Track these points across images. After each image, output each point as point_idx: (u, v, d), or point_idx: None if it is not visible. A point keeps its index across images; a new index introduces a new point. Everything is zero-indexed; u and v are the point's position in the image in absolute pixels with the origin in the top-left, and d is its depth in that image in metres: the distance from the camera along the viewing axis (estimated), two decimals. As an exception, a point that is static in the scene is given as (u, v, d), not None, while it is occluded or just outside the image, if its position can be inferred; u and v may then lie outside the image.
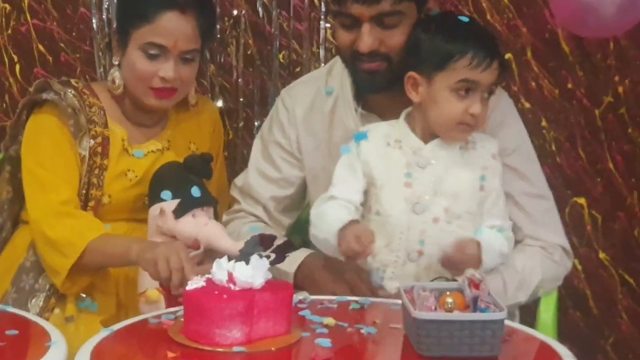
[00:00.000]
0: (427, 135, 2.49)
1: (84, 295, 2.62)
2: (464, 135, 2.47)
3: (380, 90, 2.64)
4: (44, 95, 2.67)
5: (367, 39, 2.54)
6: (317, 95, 2.77)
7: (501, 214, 2.51)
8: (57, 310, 2.59)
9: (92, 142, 2.65)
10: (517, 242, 2.56)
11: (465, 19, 2.50)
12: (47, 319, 2.48)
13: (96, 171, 2.66)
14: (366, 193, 2.52)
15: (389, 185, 2.49)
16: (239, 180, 2.87)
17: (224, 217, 2.83)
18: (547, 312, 2.62)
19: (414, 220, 2.47)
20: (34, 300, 2.59)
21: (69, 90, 2.68)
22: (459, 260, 2.39)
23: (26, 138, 2.67)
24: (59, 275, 2.53)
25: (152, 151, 2.76)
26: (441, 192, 2.46)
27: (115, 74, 2.71)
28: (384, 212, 2.50)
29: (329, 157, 2.72)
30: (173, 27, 2.64)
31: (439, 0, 2.77)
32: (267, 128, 2.84)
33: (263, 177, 2.81)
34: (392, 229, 2.49)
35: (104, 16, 3.27)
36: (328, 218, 2.46)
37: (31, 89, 2.63)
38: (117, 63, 2.72)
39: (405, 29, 2.55)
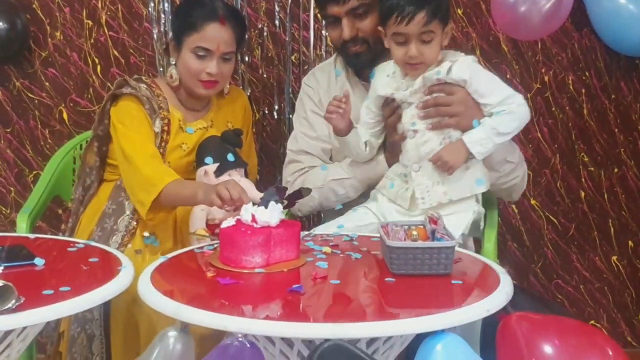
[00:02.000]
0: None
1: (148, 234, 2.61)
2: (413, 72, 2.43)
3: (367, 65, 2.63)
4: (124, 90, 2.66)
5: (347, 29, 2.58)
6: (330, 75, 2.77)
7: (498, 92, 2.41)
8: (129, 245, 2.59)
9: (161, 122, 2.65)
10: None
11: None
12: (123, 252, 2.49)
13: (162, 144, 2.65)
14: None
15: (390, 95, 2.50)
16: (292, 146, 2.79)
17: (290, 177, 2.75)
18: (489, 242, 2.58)
19: (407, 113, 2.46)
20: (113, 238, 2.58)
21: (142, 85, 2.68)
22: (445, 156, 2.37)
23: (117, 115, 2.64)
24: (144, 207, 2.50)
25: (200, 128, 2.74)
26: (417, 90, 2.42)
27: (173, 70, 2.70)
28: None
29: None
30: (215, 34, 2.63)
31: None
32: (300, 105, 2.81)
33: (310, 138, 2.76)
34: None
35: (161, 29, 3.25)
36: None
37: (112, 86, 2.64)
38: (173, 62, 2.70)
39: (374, 16, 2.55)
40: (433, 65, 2.42)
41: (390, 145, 2.57)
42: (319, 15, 3.21)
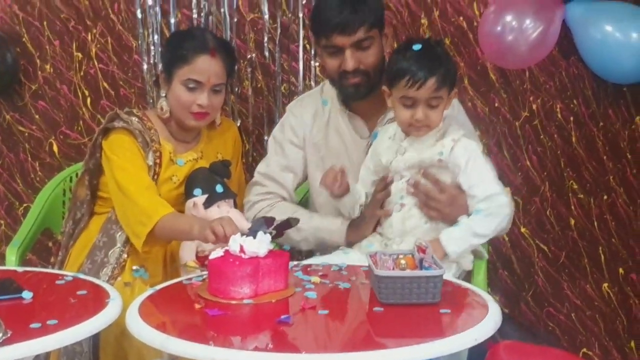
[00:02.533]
0: None
1: (137, 267, 2.61)
2: (419, 133, 2.45)
3: (363, 97, 2.66)
4: (116, 124, 2.66)
5: (351, 60, 2.58)
6: (316, 105, 2.79)
7: (486, 186, 2.44)
8: (119, 278, 2.59)
9: (154, 155, 2.65)
10: None
11: (416, 47, 2.43)
12: (113, 285, 2.48)
13: (154, 177, 2.65)
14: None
15: (383, 166, 2.53)
16: (261, 168, 2.82)
17: (252, 198, 2.78)
18: (479, 273, 2.60)
19: (396, 185, 2.49)
20: (104, 270, 2.58)
21: (134, 118, 2.68)
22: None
23: (111, 148, 2.64)
24: (139, 239, 2.50)
25: (190, 160, 2.74)
26: (411, 166, 2.46)
27: (163, 103, 2.70)
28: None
29: (327, 148, 2.75)
30: (206, 67, 2.64)
31: (390, 29, 2.76)
32: (280, 131, 2.82)
33: (279, 167, 2.79)
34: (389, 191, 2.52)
35: (151, 61, 3.27)
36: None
37: (102, 118, 2.63)
38: (164, 95, 2.71)
39: (376, 49, 2.60)
40: (433, 133, 2.45)
41: (361, 219, 2.58)
42: (307, 45, 3.25)
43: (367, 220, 2.56)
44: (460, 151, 2.42)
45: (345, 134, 2.73)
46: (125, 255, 2.61)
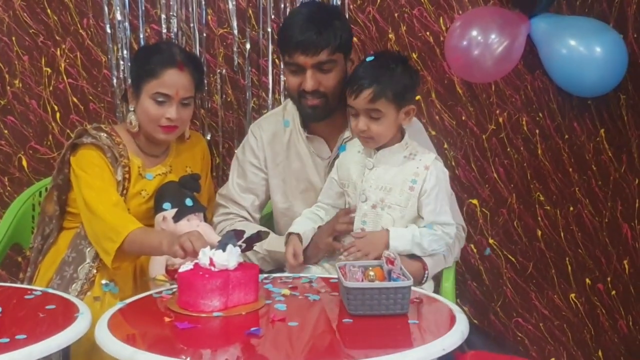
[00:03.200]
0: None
1: (107, 281, 2.60)
2: (367, 144, 2.47)
3: (320, 119, 2.67)
4: (84, 140, 2.65)
5: (310, 81, 2.58)
6: (277, 126, 2.79)
7: (444, 215, 2.45)
8: (89, 293, 2.57)
9: (122, 170, 2.65)
10: None
11: (369, 58, 2.48)
12: (82, 300, 2.47)
13: (123, 192, 2.64)
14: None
15: (351, 183, 2.53)
16: (222, 190, 2.86)
17: (215, 219, 2.80)
18: (448, 281, 2.61)
19: (360, 207, 2.49)
20: (73, 286, 2.56)
21: (102, 134, 2.67)
22: (367, 239, 2.42)
23: (79, 164, 2.63)
24: (109, 255, 2.49)
25: (159, 174, 2.74)
26: (380, 187, 2.46)
27: (132, 117, 2.69)
28: (350, 204, 2.55)
29: (288, 171, 2.76)
30: (174, 80, 2.63)
31: (357, 54, 2.78)
32: (241, 152, 2.84)
33: (239, 188, 2.81)
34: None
35: (121, 76, 3.27)
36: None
37: (71, 133, 2.61)
38: (132, 109, 2.70)
39: (338, 73, 2.59)
40: (398, 149, 2.46)
41: (313, 247, 2.56)
42: (277, 60, 3.26)
43: (321, 248, 2.56)
44: (432, 180, 2.43)
45: (305, 155, 2.74)
46: (94, 271, 2.60)
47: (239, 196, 2.81)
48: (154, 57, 2.67)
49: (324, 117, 2.65)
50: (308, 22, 2.56)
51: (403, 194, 2.44)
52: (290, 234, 2.54)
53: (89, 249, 2.62)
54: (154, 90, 2.63)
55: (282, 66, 3.23)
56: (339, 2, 3.22)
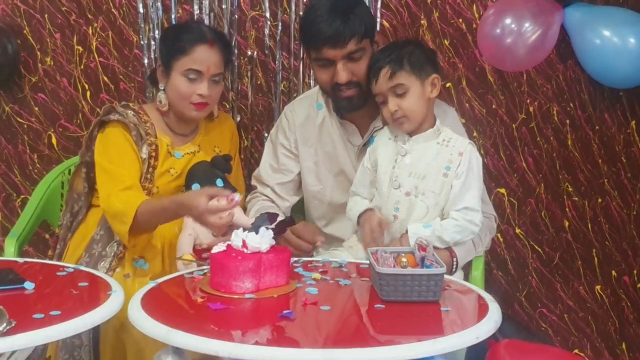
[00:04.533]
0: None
1: (137, 258, 2.60)
2: (403, 127, 2.46)
3: (358, 108, 2.64)
4: (111, 117, 2.65)
5: (343, 73, 2.55)
6: (310, 109, 2.78)
7: (469, 199, 2.43)
8: (118, 270, 2.57)
9: (149, 148, 2.65)
10: None
11: (385, 47, 2.53)
12: (111, 277, 2.48)
13: (150, 170, 2.65)
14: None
15: (382, 168, 2.50)
16: (255, 172, 2.88)
17: (247, 198, 2.83)
18: (477, 270, 2.61)
19: (392, 193, 2.47)
20: (102, 263, 2.57)
21: (129, 112, 2.67)
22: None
23: (99, 145, 2.64)
24: (124, 238, 2.51)
25: (187, 153, 2.74)
26: (413, 174, 2.45)
27: (162, 96, 2.69)
28: (378, 188, 2.51)
29: (320, 155, 2.75)
30: (205, 56, 2.64)
31: (383, 33, 2.76)
32: (274, 133, 2.84)
33: (270, 168, 2.81)
34: (379, 200, 2.50)
35: (152, 56, 3.26)
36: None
37: (100, 111, 2.61)
38: (162, 88, 2.70)
39: (368, 60, 2.56)
40: (430, 134, 2.45)
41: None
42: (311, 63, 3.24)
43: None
44: (464, 164, 2.42)
45: (337, 139, 2.73)
46: (122, 248, 2.60)
47: (267, 175, 2.81)
48: (184, 34, 2.67)
49: (362, 106, 2.63)
50: (331, 14, 2.51)
51: (437, 181, 2.43)
52: (362, 213, 2.50)
53: None
54: (186, 67, 2.63)
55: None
56: (372, -14, 3.20)
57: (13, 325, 1.72)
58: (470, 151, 2.45)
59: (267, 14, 3.26)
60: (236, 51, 3.27)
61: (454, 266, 2.46)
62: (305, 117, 2.77)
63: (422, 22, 3.27)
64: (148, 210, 2.48)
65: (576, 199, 3.36)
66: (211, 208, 2.28)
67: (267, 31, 3.27)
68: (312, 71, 3.26)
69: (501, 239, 3.37)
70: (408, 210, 2.45)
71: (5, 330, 1.70)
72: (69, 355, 2.50)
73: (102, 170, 2.61)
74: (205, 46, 2.64)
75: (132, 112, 2.68)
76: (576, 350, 3.41)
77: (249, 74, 3.31)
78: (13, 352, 1.81)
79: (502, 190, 3.35)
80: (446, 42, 3.28)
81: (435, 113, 2.53)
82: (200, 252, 2.55)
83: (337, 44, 2.51)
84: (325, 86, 2.63)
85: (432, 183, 2.43)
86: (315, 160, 2.75)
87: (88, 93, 3.34)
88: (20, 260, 2.39)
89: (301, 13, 3.22)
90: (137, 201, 2.49)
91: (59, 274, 2.22)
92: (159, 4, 3.24)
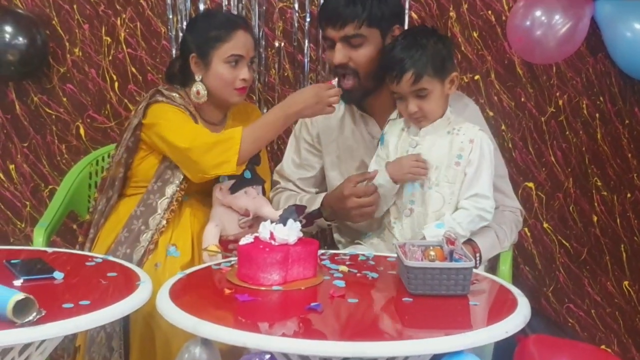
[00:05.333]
0: None
1: (170, 245, 2.60)
2: (420, 124, 2.45)
3: (354, 101, 2.66)
4: (159, 98, 2.67)
5: (338, 54, 2.57)
6: None
7: (479, 186, 2.42)
8: (150, 257, 2.56)
9: None
10: (495, 208, 2.51)
11: (402, 41, 2.47)
12: (153, 250, 2.55)
13: None
14: None
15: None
16: (278, 167, 2.88)
17: (271, 194, 2.82)
18: (505, 264, 2.60)
19: (406, 187, 2.46)
20: (143, 236, 2.57)
21: (175, 94, 2.70)
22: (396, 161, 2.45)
23: (156, 117, 2.64)
24: (231, 164, 2.51)
25: None
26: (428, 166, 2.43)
27: (199, 87, 2.69)
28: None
29: (342, 148, 2.74)
30: (243, 41, 2.68)
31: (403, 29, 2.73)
32: (297, 128, 2.84)
33: (292, 163, 2.82)
34: (395, 192, 2.49)
35: (179, 47, 3.26)
36: None
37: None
38: (199, 79, 2.70)
39: (369, 50, 2.55)
40: (442, 124, 2.43)
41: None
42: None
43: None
44: (476, 151, 2.41)
45: (357, 133, 2.73)
46: (164, 222, 2.60)
47: (289, 170, 2.82)
48: (217, 22, 2.70)
49: (359, 99, 2.63)
50: None
51: (450, 170, 2.43)
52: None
53: (160, 200, 2.63)
54: (228, 54, 2.66)
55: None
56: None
57: (43, 314, 1.73)
58: (482, 137, 2.44)
59: (296, 5, 3.25)
60: (263, 42, 3.26)
61: (478, 261, 2.44)
62: None
63: (451, 14, 3.25)
64: (253, 127, 2.56)
65: (605, 193, 3.33)
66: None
67: (295, 22, 3.27)
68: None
69: (529, 234, 3.34)
70: (423, 203, 2.44)
71: (35, 320, 1.72)
72: (99, 345, 2.51)
73: (171, 130, 2.60)
74: (241, 31, 2.69)
75: (178, 96, 2.71)
76: (603, 346, 3.39)
77: (276, 65, 3.31)
78: (42, 342, 1.82)
79: (530, 185, 3.33)
80: (475, 34, 3.25)
81: (454, 106, 2.53)
82: (226, 244, 2.56)
83: (336, 24, 2.54)
84: (330, 66, 2.67)
85: (445, 173, 2.42)
86: (337, 154, 2.74)
87: (116, 84, 3.35)
88: (49, 250, 2.41)
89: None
90: (237, 128, 2.55)
91: (87, 264, 2.24)
92: (187, -5, 3.24)
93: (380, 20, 2.56)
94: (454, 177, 2.42)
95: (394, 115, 2.61)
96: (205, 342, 1.85)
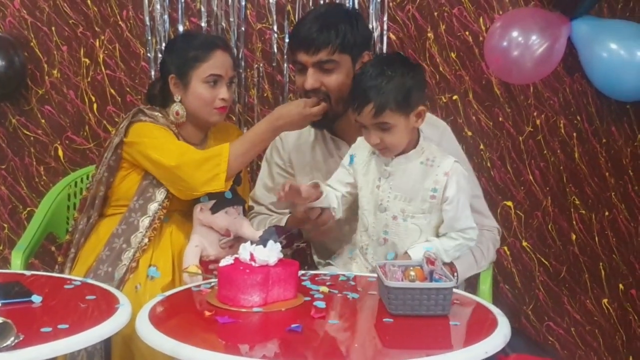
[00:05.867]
0: None
1: (151, 266, 2.58)
2: (384, 155, 2.39)
3: (324, 126, 2.66)
4: (142, 117, 2.67)
5: (310, 79, 2.56)
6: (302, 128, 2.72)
7: (462, 221, 2.38)
8: (131, 276, 2.55)
9: None
10: None
11: (370, 70, 2.36)
12: (135, 268, 2.54)
13: None
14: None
15: (366, 188, 2.46)
16: (251, 192, 2.87)
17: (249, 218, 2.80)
18: (485, 284, 2.60)
19: (379, 217, 2.44)
20: (125, 254, 2.56)
21: (157, 114, 2.71)
22: None
23: (139, 136, 2.63)
24: (220, 180, 2.52)
25: None
26: (399, 197, 2.40)
27: (177, 107, 2.70)
28: (362, 208, 2.47)
29: (315, 171, 2.73)
30: (222, 60, 2.70)
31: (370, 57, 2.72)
32: (269, 153, 2.83)
33: (264, 187, 2.82)
34: (366, 221, 2.46)
35: (158, 68, 3.26)
36: None
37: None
38: (178, 100, 2.71)
39: (340, 75, 2.55)
40: (414, 155, 2.37)
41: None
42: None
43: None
44: (453, 187, 2.35)
45: (329, 157, 2.71)
46: (146, 240, 2.59)
47: (262, 194, 2.81)
48: (195, 43, 2.71)
49: (329, 124, 2.63)
50: (313, 21, 2.56)
51: (425, 203, 2.37)
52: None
53: (142, 218, 2.62)
54: (207, 74, 2.67)
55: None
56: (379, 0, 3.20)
57: (21, 339, 1.71)
58: (457, 170, 2.37)
59: (275, 27, 3.26)
60: (243, 64, 3.27)
61: (455, 281, 2.44)
62: (298, 135, 2.75)
63: (429, 34, 3.27)
64: (239, 141, 2.58)
65: (583, 212, 3.35)
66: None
67: (274, 44, 3.28)
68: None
69: (508, 252, 3.36)
70: (397, 233, 2.40)
71: (13, 344, 1.70)
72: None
73: (155, 148, 2.60)
74: (220, 51, 2.70)
75: (160, 115, 2.71)
76: (583, 364, 3.41)
77: (255, 86, 3.31)
78: (21, 366, 1.80)
79: (509, 203, 3.35)
80: (453, 55, 3.27)
81: (431, 134, 2.50)
82: (206, 264, 2.55)
83: (309, 49, 2.54)
84: (299, 91, 2.65)
85: (420, 205, 2.37)
86: (310, 177, 2.71)
87: (95, 105, 3.34)
88: (27, 273, 2.39)
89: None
90: (224, 144, 2.57)
91: (66, 287, 2.21)
92: (165, 16, 3.25)
93: (353, 47, 2.56)
94: (429, 208, 2.37)
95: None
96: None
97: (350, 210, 2.54)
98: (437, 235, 2.41)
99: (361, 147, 2.49)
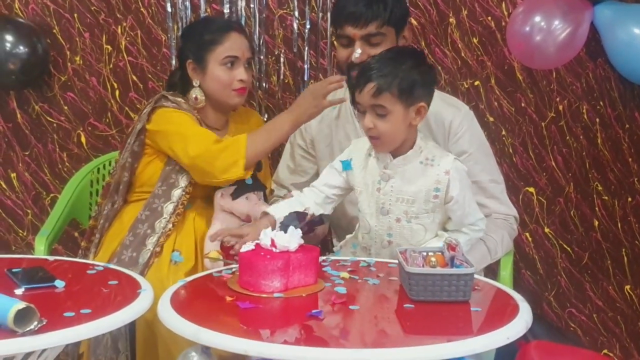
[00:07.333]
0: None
1: (174, 251, 2.60)
2: (376, 148, 2.37)
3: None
4: (164, 103, 2.68)
5: (359, 52, 2.58)
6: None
7: (471, 216, 2.38)
8: (156, 259, 2.57)
9: None
10: (486, 215, 2.49)
11: (385, 53, 2.40)
12: (159, 253, 2.56)
13: None
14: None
15: (365, 191, 2.43)
16: (274, 175, 2.90)
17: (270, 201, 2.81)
18: (505, 269, 2.59)
19: (382, 220, 2.42)
20: (149, 239, 2.58)
21: (180, 99, 2.72)
22: None
23: (162, 124, 2.65)
24: (239, 168, 2.53)
25: None
26: (401, 199, 2.38)
27: (197, 92, 2.71)
28: (362, 211, 2.44)
29: (336, 152, 2.71)
30: (238, 42, 2.71)
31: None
32: (292, 135, 2.83)
33: (287, 169, 2.85)
34: (368, 224, 2.43)
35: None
36: None
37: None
38: (197, 85, 2.72)
39: (386, 46, 2.57)
40: (413, 155, 2.34)
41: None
42: (335, 42, 3.23)
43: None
44: (456, 186, 2.33)
45: (353, 134, 2.70)
46: (170, 225, 2.60)
47: (284, 175, 2.84)
48: (211, 27, 2.73)
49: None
50: None
51: (428, 203, 2.36)
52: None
53: (166, 204, 2.63)
54: (223, 55, 2.68)
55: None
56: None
57: (44, 323, 1.72)
58: (457, 168, 2.35)
59: (296, 13, 3.25)
60: (264, 50, 3.27)
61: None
62: (320, 119, 2.74)
63: (451, 20, 3.25)
64: (258, 130, 2.60)
65: (606, 198, 3.32)
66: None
67: (295, 30, 3.27)
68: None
69: (530, 239, 3.34)
70: (401, 235, 2.39)
71: (36, 329, 1.71)
72: (105, 347, 2.50)
73: (178, 136, 2.61)
74: (235, 33, 2.72)
75: (183, 101, 2.71)
76: (605, 351, 3.38)
77: (276, 72, 3.31)
78: (44, 351, 1.81)
79: (531, 189, 3.33)
80: (475, 40, 3.25)
81: (448, 113, 2.51)
82: (227, 250, 2.54)
83: (358, 23, 2.56)
84: (341, 65, 2.67)
85: (423, 206, 2.35)
86: (332, 159, 2.72)
87: (117, 92, 3.35)
88: (51, 258, 2.41)
89: (329, 11, 3.21)
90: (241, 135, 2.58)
91: (89, 272, 2.23)
92: (187, 3, 3.24)
93: (398, 20, 2.61)
94: (433, 207, 2.36)
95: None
96: (205, 350, 1.84)
97: None
98: (444, 230, 2.40)
99: (357, 149, 2.47)
